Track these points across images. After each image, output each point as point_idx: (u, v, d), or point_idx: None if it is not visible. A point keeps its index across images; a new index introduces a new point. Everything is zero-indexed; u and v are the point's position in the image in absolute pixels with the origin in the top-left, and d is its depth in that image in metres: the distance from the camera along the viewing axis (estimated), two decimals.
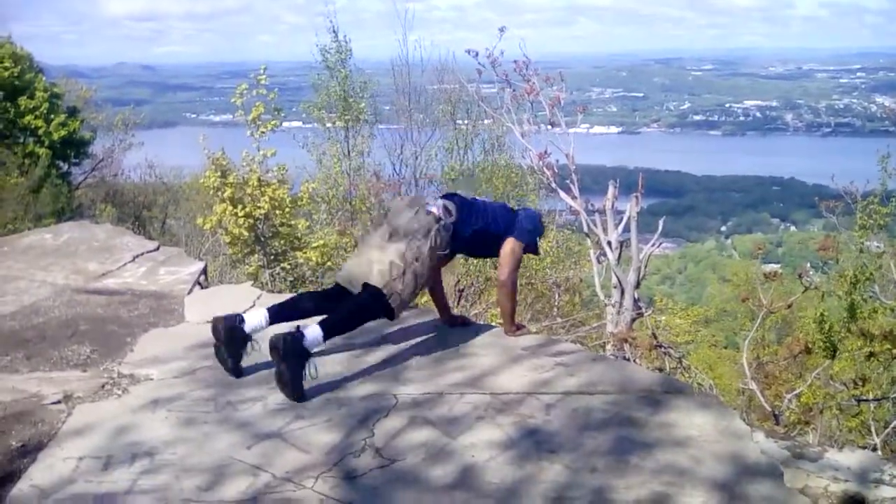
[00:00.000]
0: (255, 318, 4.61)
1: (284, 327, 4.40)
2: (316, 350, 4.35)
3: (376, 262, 4.65)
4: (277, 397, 4.24)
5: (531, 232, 5.24)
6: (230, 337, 4.52)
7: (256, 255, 11.61)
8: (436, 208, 4.78)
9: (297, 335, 4.27)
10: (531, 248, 5.31)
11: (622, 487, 3.39)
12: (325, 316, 4.54)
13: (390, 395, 4.30)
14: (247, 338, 4.57)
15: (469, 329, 5.45)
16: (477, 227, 4.99)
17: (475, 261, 14.85)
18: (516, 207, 5.61)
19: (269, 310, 4.70)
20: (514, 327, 5.30)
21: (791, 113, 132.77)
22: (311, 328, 4.35)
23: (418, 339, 5.18)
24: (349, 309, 4.63)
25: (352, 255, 5.20)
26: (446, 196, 5.10)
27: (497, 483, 3.44)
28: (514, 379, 4.53)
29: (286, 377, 4.22)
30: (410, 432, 3.88)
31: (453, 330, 5.37)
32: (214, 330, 4.55)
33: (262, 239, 11.48)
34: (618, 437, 3.83)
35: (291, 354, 4.22)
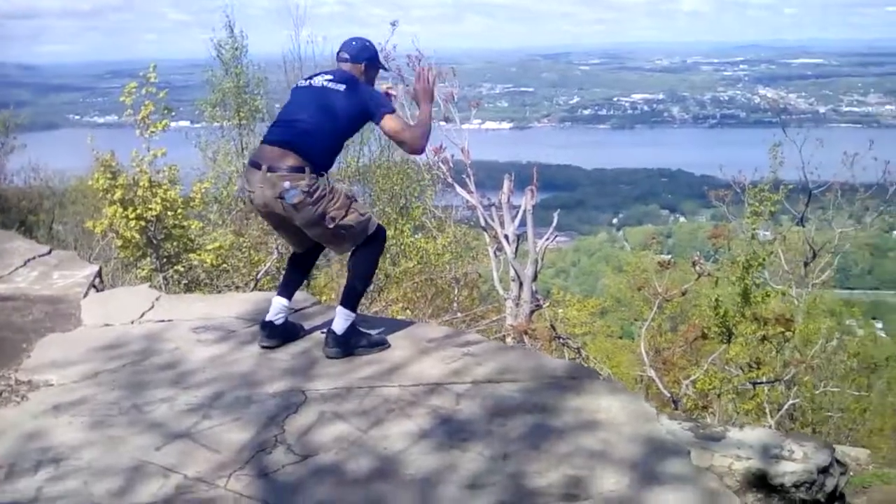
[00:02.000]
0: (278, 310, 4.95)
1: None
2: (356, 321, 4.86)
3: (330, 244, 4.88)
4: (185, 398, 4.18)
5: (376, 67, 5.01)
6: (283, 338, 4.98)
7: (149, 258, 11.36)
8: (295, 195, 4.51)
9: (333, 339, 4.78)
10: (377, 70, 5.03)
11: (536, 472, 3.44)
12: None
13: (299, 391, 4.27)
14: (291, 327, 5.07)
15: (376, 323, 5.44)
16: (337, 144, 4.83)
17: None
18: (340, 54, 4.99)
19: (280, 294, 4.99)
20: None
21: (677, 105, 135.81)
22: (337, 315, 4.78)
23: (325, 334, 5.15)
24: (354, 270, 4.87)
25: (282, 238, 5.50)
26: (277, 142, 4.67)
27: (413, 473, 3.45)
28: (424, 370, 4.54)
29: (370, 350, 4.82)
30: (322, 427, 3.86)
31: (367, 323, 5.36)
32: (263, 340, 4.95)
33: (155, 241, 11.23)
34: (529, 423, 3.87)
35: (350, 345, 4.79)
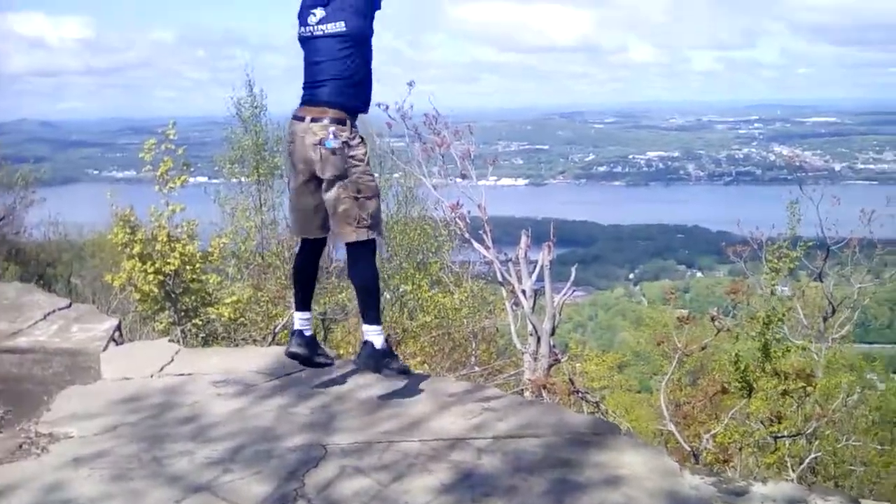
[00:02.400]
0: (303, 322, 5.16)
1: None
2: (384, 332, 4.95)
3: (330, 215, 4.86)
4: (205, 451, 4.16)
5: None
6: (308, 355, 5.14)
7: (167, 312, 11.38)
8: (332, 141, 4.71)
9: (370, 350, 4.86)
10: None
11: None
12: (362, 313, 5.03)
13: (320, 445, 4.25)
14: (313, 340, 5.24)
15: (396, 377, 5.42)
16: (354, 86, 4.90)
17: (391, 314, 14.80)
18: None
19: (296, 307, 5.21)
20: None
21: (692, 163, 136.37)
22: (368, 335, 4.88)
23: (345, 389, 5.13)
24: (361, 275, 4.96)
25: (291, 207, 5.22)
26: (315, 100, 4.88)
27: None
28: (444, 425, 4.51)
29: (396, 374, 4.98)
30: (342, 482, 3.83)
31: (381, 379, 5.33)
32: (293, 347, 5.14)
33: (173, 295, 11.26)
34: (551, 478, 3.84)
35: (382, 362, 4.87)
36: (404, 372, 5.03)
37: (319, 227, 4.97)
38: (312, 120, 4.74)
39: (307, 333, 5.15)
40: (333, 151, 4.69)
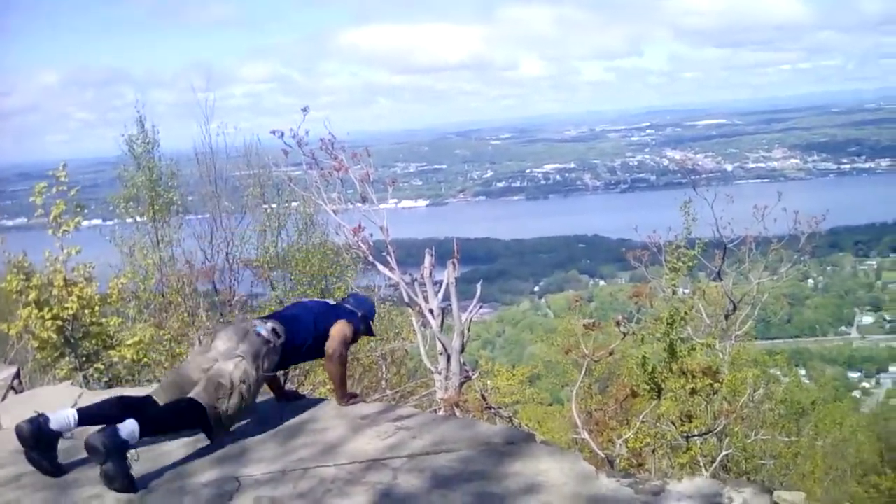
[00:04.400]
0: (61, 417, 4.38)
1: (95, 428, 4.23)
2: (132, 444, 4.21)
3: (204, 377, 4.69)
4: (115, 494, 4.05)
5: (360, 314, 5.56)
6: (37, 439, 4.29)
7: (67, 358, 11.08)
8: (265, 331, 4.93)
9: (112, 429, 4.14)
10: (365, 328, 5.64)
11: None
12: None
13: (233, 478, 4.19)
14: (56, 435, 4.35)
15: (306, 404, 5.39)
16: (308, 340, 5.20)
17: None
18: (347, 294, 5.94)
19: (79, 411, 4.51)
20: (346, 397, 5.29)
21: (588, 173, 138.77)
22: (128, 422, 4.24)
23: (256, 420, 5.06)
24: (170, 410, 4.61)
25: (168, 374, 5.17)
26: (273, 316, 5.28)
27: None
28: (359, 447, 4.48)
29: (112, 473, 4.06)
30: None
31: (291, 407, 5.30)
32: (19, 436, 4.30)
33: (73, 340, 10.98)
34: (470, 492, 3.83)
35: (111, 450, 4.08)
36: (122, 475, 4.11)
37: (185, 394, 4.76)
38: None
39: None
40: (258, 335, 4.92)
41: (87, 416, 4.47)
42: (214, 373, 4.68)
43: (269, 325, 5.00)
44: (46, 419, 4.32)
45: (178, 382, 4.82)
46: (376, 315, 6.27)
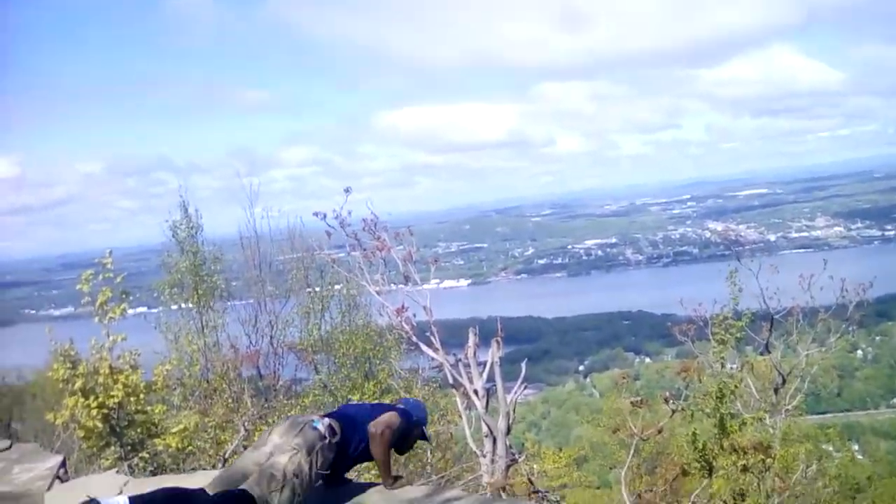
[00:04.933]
0: (113, 503, 4.36)
1: None
2: None
3: (258, 469, 4.70)
4: None
5: (414, 418, 5.60)
6: None
7: (113, 448, 11.06)
8: (321, 426, 4.94)
9: None
10: (419, 433, 5.70)
11: None
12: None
13: None
14: None
15: (353, 488, 5.35)
16: (364, 443, 5.22)
17: None
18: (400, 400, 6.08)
19: (130, 498, 4.48)
20: (391, 479, 5.24)
21: (630, 247, 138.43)
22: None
23: None
24: (221, 499, 4.59)
25: (223, 470, 5.16)
26: (331, 415, 5.28)
27: None
28: None
29: None
30: None
31: (339, 491, 5.25)
32: None
33: (118, 429, 10.97)
34: None
35: None
36: None
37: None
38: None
39: None
40: (314, 429, 4.94)
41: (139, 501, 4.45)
42: (268, 465, 4.64)
43: (327, 421, 5.02)
44: None
45: (233, 476, 4.82)
46: (427, 418, 6.25)
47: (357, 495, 5.10)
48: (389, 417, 5.27)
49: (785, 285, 14.91)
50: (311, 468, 4.76)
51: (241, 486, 4.59)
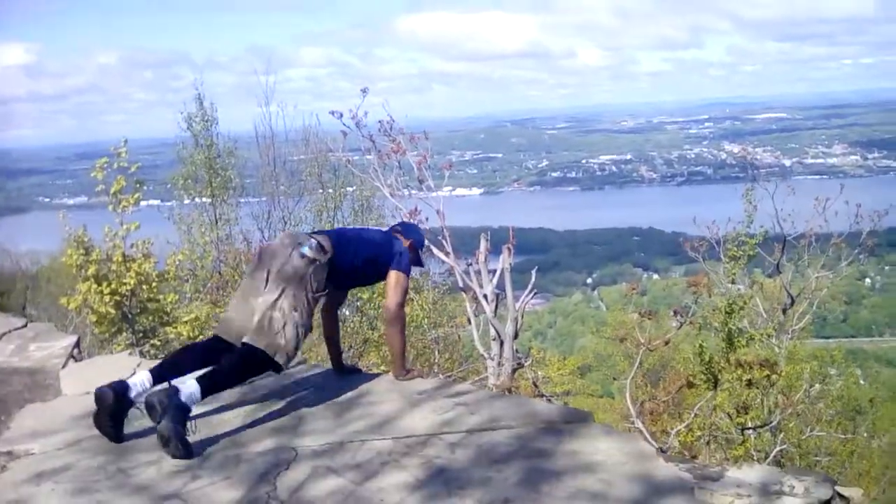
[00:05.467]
0: (138, 383, 4.40)
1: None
2: (195, 406, 4.27)
3: (256, 315, 4.57)
4: (172, 460, 4.05)
5: (408, 242, 5.36)
6: (117, 403, 4.31)
7: (125, 334, 11.20)
8: (308, 248, 4.71)
9: (172, 391, 4.17)
10: (414, 257, 5.40)
11: None
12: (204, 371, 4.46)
13: (290, 448, 4.17)
14: (130, 403, 4.38)
15: (362, 378, 5.37)
16: (357, 261, 4.98)
17: (352, 324, 14.70)
18: (394, 224, 5.85)
19: (152, 371, 4.52)
20: (404, 370, 5.23)
21: (645, 165, 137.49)
22: (188, 383, 4.27)
23: (312, 391, 5.07)
24: (231, 364, 4.52)
25: (230, 305, 5.05)
26: (320, 232, 5.08)
27: None
28: (416, 422, 4.46)
29: (168, 434, 4.06)
30: (315, 483, 3.76)
31: (347, 380, 5.28)
32: (98, 399, 4.33)
33: (130, 316, 11.08)
34: (526, 468, 3.79)
35: (170, 411, 4.10)
36: (178, 438, 4.10)
37: (241, 336, 4.66)
38: (295, 234, 4.97)
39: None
40: (302, 256, 4.68)
41: (161, 377, 4.49)
42: (264, 308, 4.57)
43: (314, 241, 4.77)
44: (126, 385, 4.36)
45: (235, 314, 4.76)
46: (424, 244, 6.14)
47: (365, 384, 5.13)
48: (400, 283, 5.07)
49: (799, 209, 14.85)
50: (307, 295, 4.65)
51: (244, 341, 4.56)
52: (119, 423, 4.37)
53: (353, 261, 4.94)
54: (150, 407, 4.14)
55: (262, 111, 19.08)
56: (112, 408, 4.31)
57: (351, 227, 5.60)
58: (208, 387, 4.33)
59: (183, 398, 4.16)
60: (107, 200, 10.99)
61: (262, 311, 4.56)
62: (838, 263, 15.69)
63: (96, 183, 10.95)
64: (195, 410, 4.30)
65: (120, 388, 4.32)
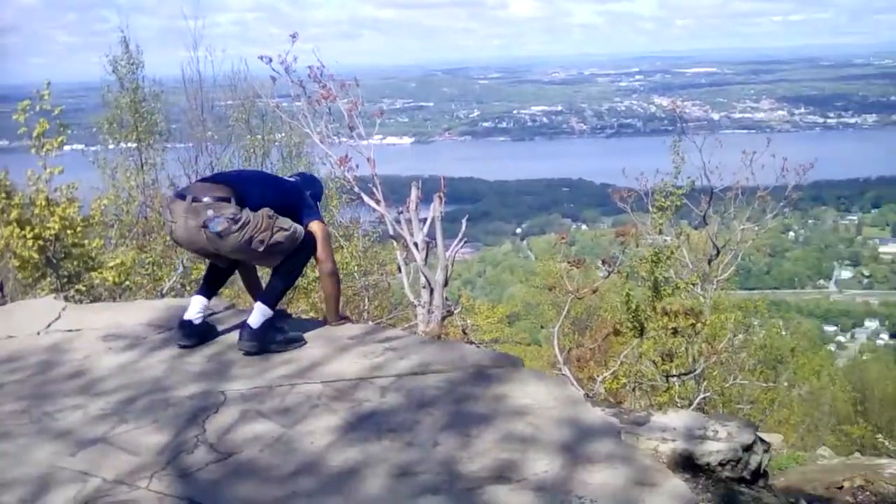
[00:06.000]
0: (197, 309, 4.83)
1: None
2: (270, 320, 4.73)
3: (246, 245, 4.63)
4: (98, 404, 4.01)
5: (316, 191, 5.42)
6: (200, 337, 4.84)
7: (49, 279, 11.00)
8: (219, 225, 4.49)
9: (249, 331, 4.64)
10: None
11: (467, 458, 3.38)
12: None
13: (218, 392, 4.15)
14: (206, 326, 4.92)
15: (291, 323, 5.34)
16: (265, 205, 4.72)
17: None
18: (289, 175, 5.72)
19: (199, 293, 4.91)
20: (338, 317, 5.21)
21: (575, 116, 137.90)
22: (255, 312, 4.68)
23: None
24: (282, 273, 4.81)
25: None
26: (218, 178, 4.94)
27: (340, 466, 3.37)
28: (345, 366, 4.45)
29: (279, 349, 4.68)
30: (244, 426, 3.75)
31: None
32: (182, 339, 4.79)
33: (54, 261, 10.89)
34: (456, 412, 3.82)
35: (265, 342, 4.66)
36: (295, 341, 4.79)
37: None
38: (194, 199, 4.57)
39: (197, 322, 4.84)
40: (220, 235, 4.49)
41: (209, 293, 4.97)
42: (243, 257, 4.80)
43: (220, 217, 4.46)
44: (191, 322, 4.80)
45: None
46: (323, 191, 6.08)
47: (294, 330, 5.10)
48: (324, 232, 4.99)
49: (726, 163, 15.11)
50: (241, 242, 4.55)
51: (256, 264, 5.11)
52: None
53: (262, 205, 4.71)
54: (249, 354, 4.63)
55: (190, 56, 18.72)
56: (196, 340, 4.82)
57: (252, 169, 5.43)
58: (271, 301, 4.76)
59: (259, 328, 4.64)
60: (29, 144, 10.73)
61: (252, 261, 4.96)
62: (763, 216, 16.04)
63: (18, 126, 10.68)
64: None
65: (188, 328, 4.81)
